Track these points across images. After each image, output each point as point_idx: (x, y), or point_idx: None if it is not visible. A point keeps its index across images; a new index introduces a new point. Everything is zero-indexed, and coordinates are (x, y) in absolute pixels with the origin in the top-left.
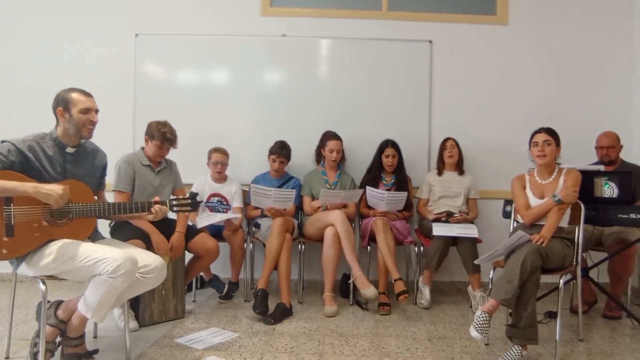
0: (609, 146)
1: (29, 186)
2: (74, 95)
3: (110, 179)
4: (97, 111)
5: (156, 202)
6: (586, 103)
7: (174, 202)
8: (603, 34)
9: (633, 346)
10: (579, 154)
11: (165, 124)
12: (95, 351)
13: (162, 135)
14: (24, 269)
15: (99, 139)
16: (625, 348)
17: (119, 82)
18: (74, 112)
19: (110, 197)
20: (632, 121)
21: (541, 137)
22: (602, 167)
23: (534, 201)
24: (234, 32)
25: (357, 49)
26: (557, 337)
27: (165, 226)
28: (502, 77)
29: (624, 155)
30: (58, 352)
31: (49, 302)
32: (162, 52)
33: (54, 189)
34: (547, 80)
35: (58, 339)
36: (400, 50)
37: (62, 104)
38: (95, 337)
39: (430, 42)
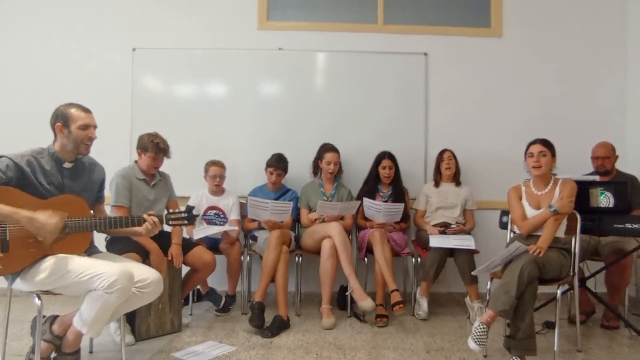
0: (604, 157)
1: (22, 216)
2: (73, 111)
3: (106, 193)
4: (95, 127)
5: (150, 215)
6: (581, 113)
7: (171, 216)
8: (597, 45)
9: (631, 356)
10: (575, 165)
11: (156, 135)
12: None
13: (156, 146)
14: (19, 284)
15: (96, 152)
16: (623, 358)
17: (116, 95)
18: (73, 128)
19: (108, 211)
20: (627, 131)
21: (536, 149)
22: (597, 178)
23: (530, 212)
24: (231, 46)
25: (353, 62)
26: (556, 348)
27: (161, 239)
28: (497, 88)
29: (620, 165)
30: None
31: (44, 317)
32: (159, 65)
33: (47, 225)
34: (542, 91)
35: (53, 355)
36: (395, 62)
37: (61, 119)
38: (90, 352)
39: (426, 54)
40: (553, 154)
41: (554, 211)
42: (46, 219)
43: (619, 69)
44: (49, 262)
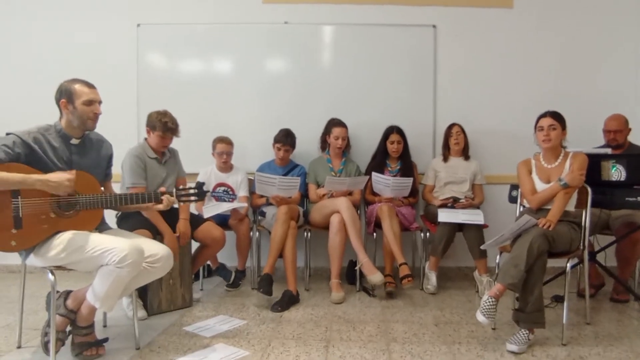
0: (616, 130)
1: (36, 179)
2: (77, 86)
3: (116, 171)
4: (100, 103)
5: (163, 193)
6: (593, 86)
7: (181, 193)
8: (609, 16)
9: None
10: (586, 138)
11: (165, 114)
12: (105, 340)
13: (164, 126)
14: (32, 260)
15: (102, 130)
16: (632, 331)
17: (121, 72)
18: (78, 104)
19: (117, 188)
20: None
21: (546, 122)
22: (609, 150)
23: (540, 186)
24: (235, 20)
25: (360, 35)
26: (564, 321)
27: (169, 215)
28: (507, 61)
29: (633, 138)
30: (68, 341)
31: (58, 292)
32: (164, 41)
33: (61, 179)
34: (553, 63)
35: (68, 328)
36: (404, 35)
37: (65, 95)
38: (104, 326)
39: (434, 26)
40: (563, 127)
41: (563, 184)
42: (58, 176)
43: (633, 41)
44: (61, 238)
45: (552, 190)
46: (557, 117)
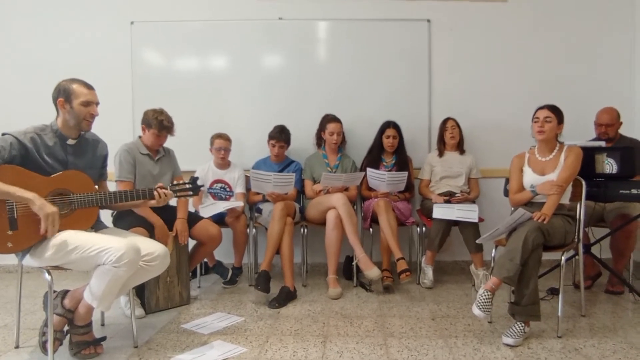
0: (608, 124)
1: (19, 197)
2: (76, 86)
3: (110, 169)
4: (97, 104)
5: (161, 187)
6: (588, 79)
7: (176, 188)
8: (604, 9)
9: (635, 320)
10: (581, 130)
11: (161, 112)
12: (103, 338)
13: (159, 124)
14: (29, 261)
15: (97, 129)
16: (627, 322)
17: (116, 71)
18: (75, 104)
19: (112, 187)
20: (635, 97)
21: (542, 114)
22: (603, 143)
23: (534, 178)
24: (229, 17)
25: (355, 30)
26: (560, 313)
27: (167, 213)
28: (501, 55)
29: (628, 131)
30: (66, 341)
31: (55, 292)
32: (158, 39)
33: (45, 210)
34: (548, 57)
35: (66, 328)
36: (398, 30)
37: (63, 94)
38: (102, 324)
39: (429, 21)
40: (560, 121)
41: (532, 191)
42: (43, 203)
43: (627, 33)
44: (56, 238)
45: (526, 197)
46: (554, 110)
